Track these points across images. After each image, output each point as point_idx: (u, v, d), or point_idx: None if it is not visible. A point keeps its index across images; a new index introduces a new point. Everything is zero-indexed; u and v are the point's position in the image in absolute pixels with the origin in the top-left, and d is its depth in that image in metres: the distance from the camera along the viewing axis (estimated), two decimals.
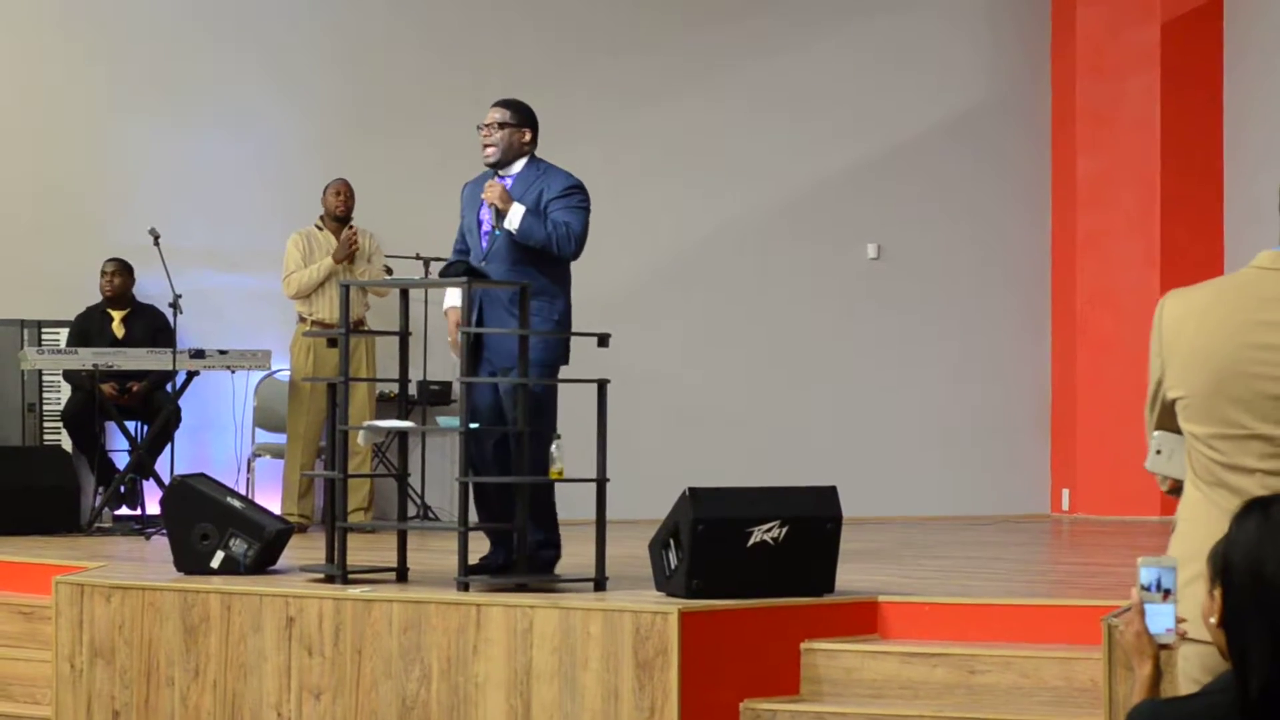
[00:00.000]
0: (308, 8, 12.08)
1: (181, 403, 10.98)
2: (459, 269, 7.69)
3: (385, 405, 11.07)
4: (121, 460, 11.02)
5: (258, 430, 11.63)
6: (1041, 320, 13.21)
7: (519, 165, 7.99)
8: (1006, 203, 13.18)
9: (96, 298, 11.20)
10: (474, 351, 7.78)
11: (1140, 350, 14.04)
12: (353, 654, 7.28)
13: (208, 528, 8.04)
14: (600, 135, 11.89)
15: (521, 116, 8.03)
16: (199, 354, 10.81)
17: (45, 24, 11.65)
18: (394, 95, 12.14)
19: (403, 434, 8.17)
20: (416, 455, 11.42)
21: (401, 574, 7.85)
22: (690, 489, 7.08)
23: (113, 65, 11.69)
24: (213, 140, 11.79)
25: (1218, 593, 3.37)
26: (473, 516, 7.65)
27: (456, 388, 11.24)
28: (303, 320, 11.09)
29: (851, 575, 7.78)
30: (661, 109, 12.51)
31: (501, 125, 7.98)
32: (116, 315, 11.17)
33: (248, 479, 11.33)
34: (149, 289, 11.21)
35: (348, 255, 11.04)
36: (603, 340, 7.83)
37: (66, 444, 11.06)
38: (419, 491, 11.37)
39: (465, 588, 7.35)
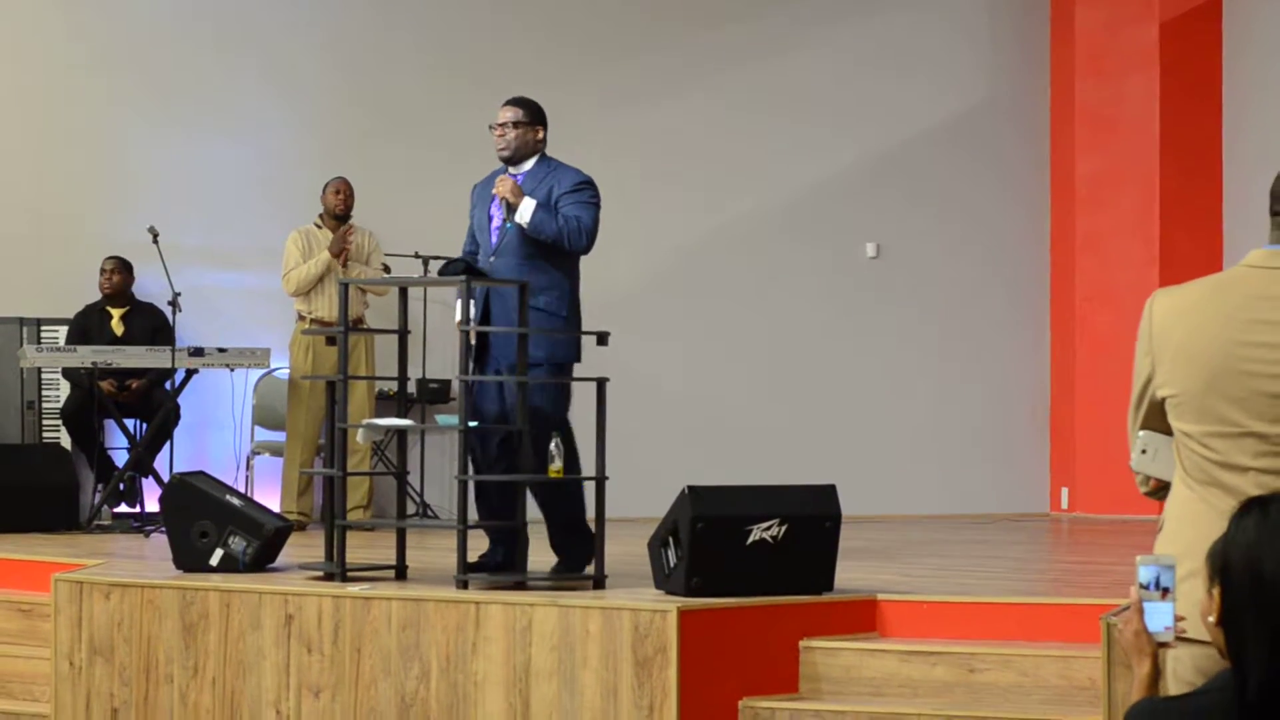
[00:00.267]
0: (307, 8, 12.08)
1: (180, 401, 10.98)
2: (458, 267, 7.70)
3: (384, 403, 11.07)
4: (121, 458, 11.02)
5: (257, 428, 11.63)
6: (1040, 320, 13.22)
7: (530, 163, 8.03)
8: (1005, 203, 13.18)
9: (96, 296, 11.20)
10: (480, 350, 7.78)
11: None
12: (352, 652, 7.28)
13: (207, 525, 8.04)
14: (599, 137, 11.88)
15: (533, 115, 8.08)
16: (198, 352, 10.81)
17: (46, 24, 11.65)
18: (393, 95, 12.15)
19: (402, 432, 8.17)
20: (415, 453, 11.42)
21: (400, 572, 7.86)
22: (689, 487, 7.09)
23: (113, 64, 11.69)
24: (212, 139, 11.79)
25: (1216, 591, 3.38)
26: (474, 514, 7.65)
27: (456, 386, 11.26)
28: (302, 318, 11.10)
29: (850, 573, 7.78)
30: (661, 110, 12.51)
31: (516, 124, 8.02)
32: (116, 313, 11.18)
33: (247, 477, 11.33)
34: (148, 287, 11.22)
35: (341, 249, 11.03)
36: (602, 338, 7.84)
37: (66, 442, 11.06)
38: (418, 489, 11.38)
39: (464, 585, 7.35)
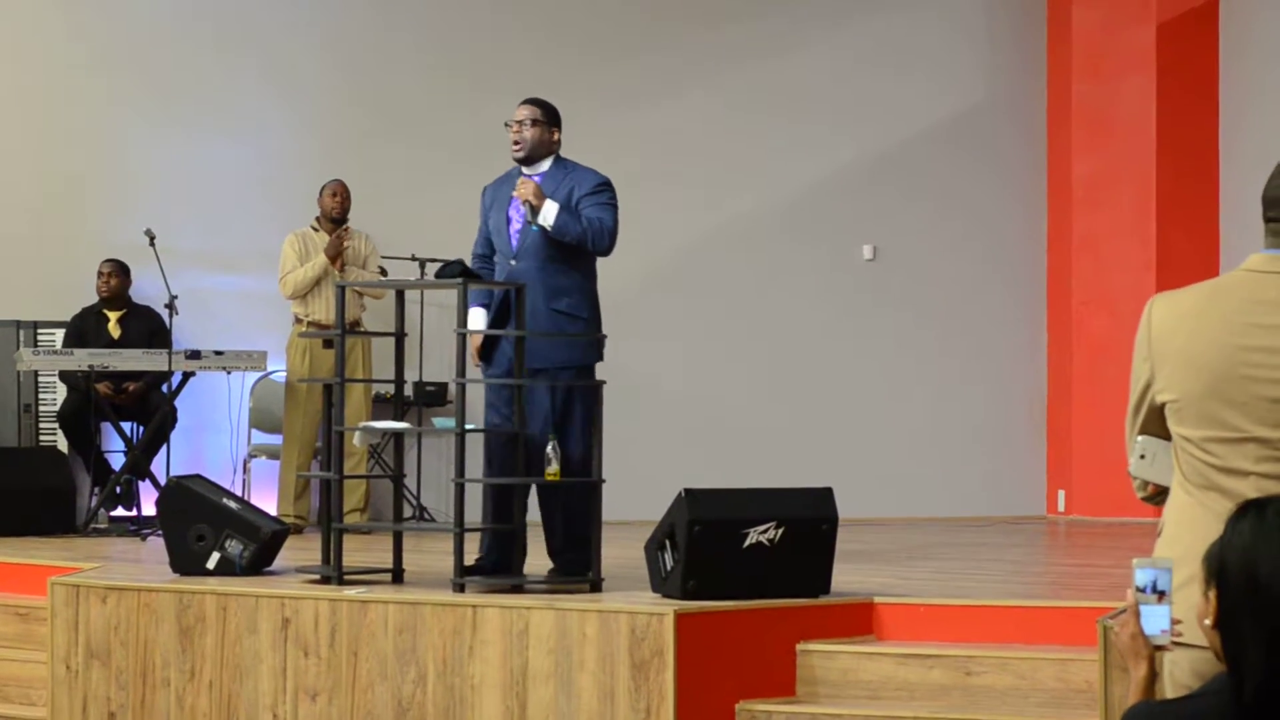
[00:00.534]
0: (305, 10, 12.08)
1: (177, 404, 10.98)
2: (454, 270, 7.69)
3: (381, 406, 11.07)
4: (117, 461, 11.02)
5: (253, 431, 11.63)
6: (1037, 321, 13.22)
7: (546, 164, 8.02)
8: (1003, 204, 13.18)
9: (93, 298, 11.20)
10: (519, 355, 7.69)
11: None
12: (348, 655, 7.28)
13: (203, 529, 8.04)
14: (597, 137, 11.86)
15: (550, 115, 8.07)
16: (195, 355, 10.80)
17: (44, 26, 11.65)
18: (391, 97, 12.15)
19: (398, 435, 8.16)
20: (412, 456, 11.42)
21: (397, 575, 7.85)
22: (686, 490, 7.08)
23: (111, 67, 11.69)
24: (209, 142, 11.79)
25: (1213, 594, 3.37)
26: (474, 517, 7.64)
27: (452, 389, 11.26)
28: (299, 321, 11.09)
29: (847, 576, 7.78)
30: (659, 110, 12.52)
31: (533, 123, 8.00)
32: (113, 316, 11.17)
33: (243, 480, 11.33)
34: (145, 290, 11.21)
35: (338, 251, 11.02)
36: (597, 344, 7.84)
37: (62, 445, 11.06)
38: (415, 492, 11.37)
39: (461, 589, 7.35)
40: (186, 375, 10.93)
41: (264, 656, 7.43)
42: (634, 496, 9.71)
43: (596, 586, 7.47)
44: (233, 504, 8.22)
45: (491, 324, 7.97)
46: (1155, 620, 3.61)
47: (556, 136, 8.06)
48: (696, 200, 12.54)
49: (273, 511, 10.24)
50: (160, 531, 8.66)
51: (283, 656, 7.40)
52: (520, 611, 7.01)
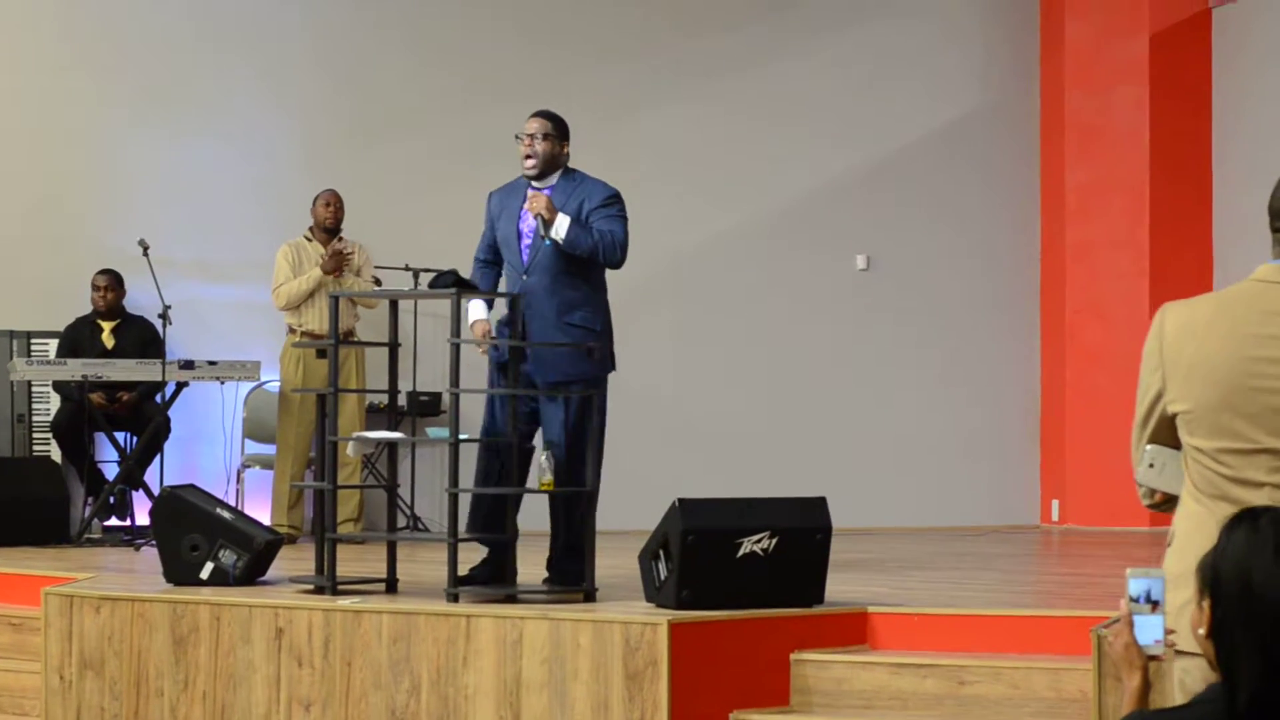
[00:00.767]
0: (299, 19, 12.08)
1: (171, 414, 10.97)
2: (448, 280, 7.70)
3: (375, 416, 11.07)
4: (111, 471, 11.01)
5: (247, 441, 11.63)
6: (1031, 331, 13.23)
7: (554, 176, 8.02)
8: (996, 213, 13.19)
9: (86, 308, 11.19)
10: (513, 366, 7.72)
11: (1130, 361, 14.01)
12: (342, 665, 7.28)
13: (197, 539, 8.03)
14: (591, 144, 11.84)
15: (560, 128, 8.08)
16: (188, 365, 10.80)
17: (38, 33, 11.65)
18: (384, 106, 12.15)
19: (392, 445, 8.16)
20: (406, 466, 11.41)
21: (391, 585, 7.85)
22: (680, 500, 7.08)
23: (104, 75, 11.69)
24: (203, 151, 11.79)
25: (1207, 604, 3.38)
26: (465, 527, 7.64)
27: (446, 398, 11.24)
28: (292, 331, 11.09)
29: (841, 586, 7.78)
30: (651, 118, 12.52)
31: (545, 137, 8.00)
32: (106, 326, 11.17)
33: (237, 490, 11.32)
34: (138, 300, 11.21)
35: (336, 267, 11.03)
36: (590, 351, 7.85)
37: (56, 455, 11.05)
38: (408, 502, 11.37)
39: (455, 599, 7.35)
40: (180, 385, 10.93)
41: (258, 666, 7.43)
42: (628, 506, 9.71)
43: (590, 596, 7.47)
44: (226, 514, 8.22)
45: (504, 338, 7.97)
46: (1149, 630, 3.61)
47: (566, 149, 8.08)
48: (690, 209, 12.54)
49: (266, 521, 10.23)
50: (154, 541, 8.66)
51: (276, 666, 7.39)
52: (514, 621, 7.01)
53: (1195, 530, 3.78)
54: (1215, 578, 3.36)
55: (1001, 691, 6.72)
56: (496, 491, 7.75)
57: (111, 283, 11.15)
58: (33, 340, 11.20)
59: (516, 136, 8.07)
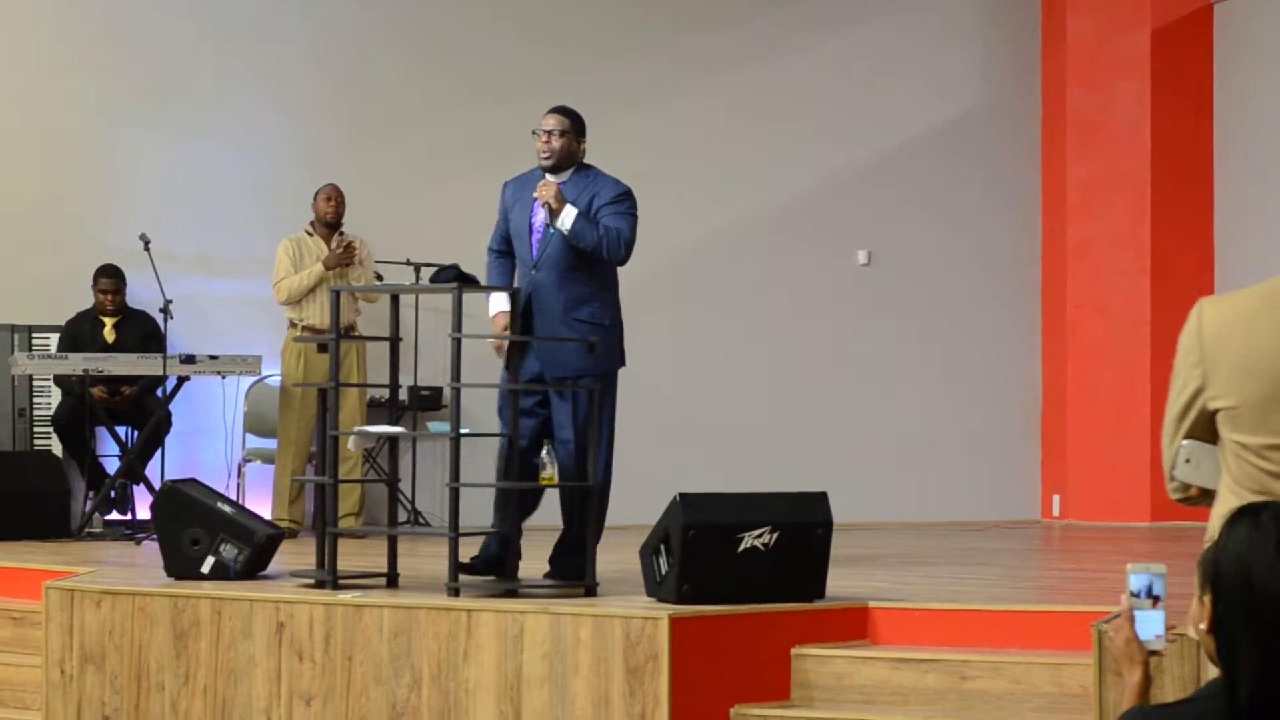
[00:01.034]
0: (299, 15, 12.08)
1: (172, 408, 10.98)
2: (449, 274, 7.70)
3: (376, 410, 11.07)
4: (112, 465, 11.02)
5: (248, 435, 11.63)
6: (1032, 326, 13.23)
7: (570, 171, 8.04)
8: (997, 209, 13.19)
9: (87, 303, 11.19)
10: (514, 360, 7.74)
11: (1130, 356, 13.99)
12: (343, 659, 7.28)
13: (198, 533, 8.03)
14: (592, 141, 11.85)
15: (577, 125, 8.10)
16: (189, 359, 10.80)
17: (38, 30, 11.65)
18: (385, 101, 12.15)
19: (393, 439, 8.17)
20: (407, 460, 11.41)
21: (392, 579, 7.85)
22: (681, 494, 7.09)
23: (105, 72, 11.69)
24: (204, 146, 11.79)
25: (1207, 599, 3.38)
26: (469, 521, 7.64)
27: (447, 393, 11.25)
28: (293, 325, 11.09)
29: (842, 581, 7.78)
30: (652, 114, 12.53)
31: (561, 133, 8.02)
32: (108, 321, 11.17)
33: (238, 484, 11.32)
34: (139, 294, 11.21)
35: (340, 263, 11.03)
36: (592, 346, 7.85)
37: (57, 449, 11.06)
38: (409, 497, 11.36)
39: (456, 593, 7.35)
40: (181, 379, 10.94)
41: (259, 661, 7.43)
42: (629, 501, 9.70)
43: (591, 591, 7.47)
44: (227, 508, 8.22)
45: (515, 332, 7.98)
46: (1150, 625, 3.61)
47: (582, 146, 8.11)
48: (692, 205, 12.54)
49: (267, 516, 10.24)
50: (155, 536, 8.66)
51: (277, 661, 7.40)
52: (515, 616, 7.01)
53: None
54: (1216, 573, 3.36)
55: (1003, 686, 6.72)
56: (496, 486, 7.75)
57: (115, 284, 11.13)
58: (34, 334, 11.20)
59: (534, 132, 8.08)
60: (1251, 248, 12.19)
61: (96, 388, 10.86)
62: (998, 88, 13.23)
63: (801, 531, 7.19)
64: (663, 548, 7.08)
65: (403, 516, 10.82)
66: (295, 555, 9.05)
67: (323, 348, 10.62)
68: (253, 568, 8.05)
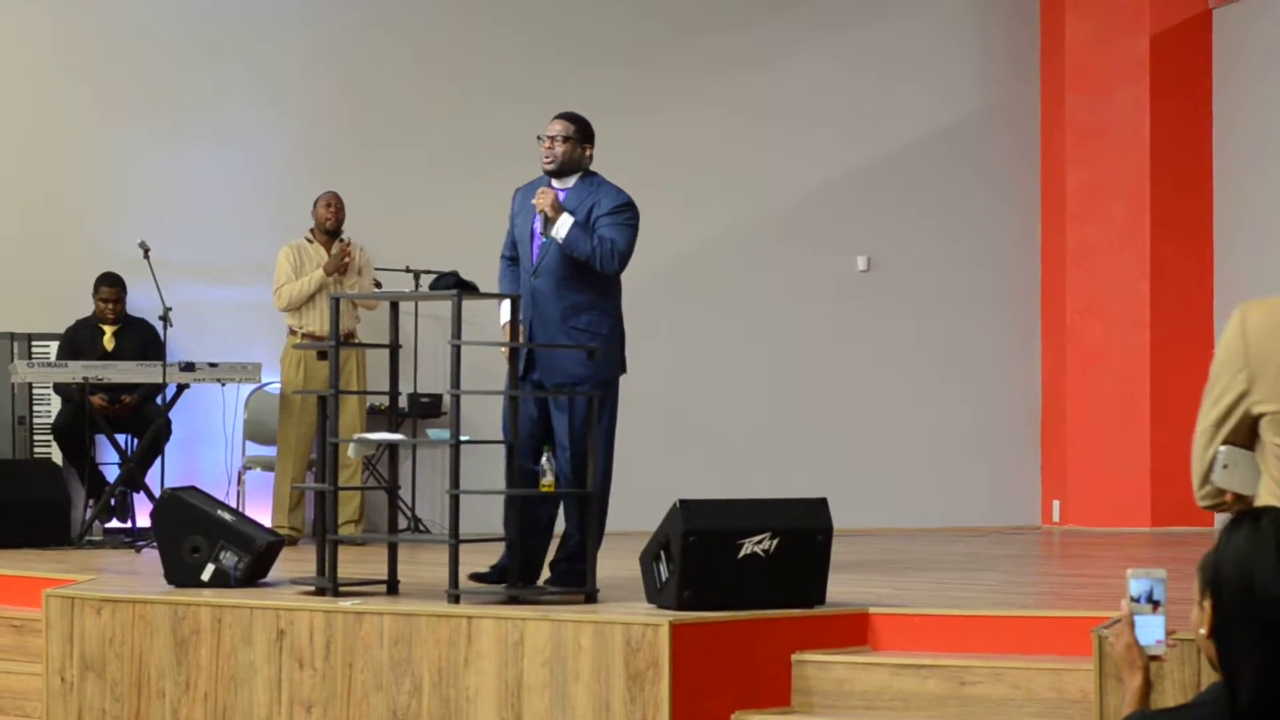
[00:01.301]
0: (298, 22, 12.08)
1: (172, 416, 10.98)
2: (449, 281, 7.70)
3: (376, 418, 11.07)
4: (112, 473, 11.02)
5: (248, 443, 11.63)
6: (1032, 332, 13.23)
7: (574, 178, 8.04)
8: (996, 214, 13.19)
9: (87, 311, 11.19)
10: (512, 367, 7.77)
11: (1130, 360, 13.97)
12: (344, 667, 7.28)
13: (198, 540, 8.03)
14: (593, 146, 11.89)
15: (583, 132, 8.10)
16: (189, 367, 10.80)
17: (37, 37, 11.66)
18: (384, 108, 12.15)
19: (393, 446, 8.17)
20: (407, 468, 11.42)
21: (392, 586, 7.85)
22: (681, 501, 7.08)
23: (103, 79, 11.69)
24: (203, 153, 11.79)
25: (1208, 604, 3.38)
26: (469, 528, 7.64)
27: (447, 400, 11.24)
28: (293, 333, 11.10)
29: (842, 587, 7.78)
30: (651, 120, 12.53)
31: (565, 139, 8.02)
32: (108, 329, 11.16)
33: (238, 492, 11.32)
34: (139, 302, 11.21)
35: (339, 268, 11.04)
36: (591, 353, 7.86)
37: (57, 457, 11.05)
38: (409, 504, 11.37)
39: (456, 600, 7.35)
40: (181, 387, 10.93)
41: (259, 668, 7.43)
42: (629, 507, 9.70)
43: (592, 597, 7.47)
44: (227, 516, 8.22)
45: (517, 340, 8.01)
46: (1150, 630, 3.61)
47: (588, 152, 8.10)
48: (691, 210, 12.55)
49: (267, 523, 10.24)
50: (155, 543, 8.66)
51: (278, 668, 7.39)
52: (515, 622, 7.01)
53: None
54: (1216, 577, 3.36)
55: (1003, 692, 6.71)
56: (495, 493, 7.75)
57: (116, 293, 11.13)
58: (33, 342, 11.20)
59: (538, 138, 8.09)
60: (1251, 252, 12.19)
61: (96, 396, 10.85)
62: (997, 93, 13.23)
63: (802, 537, 7.19)
64: (663, 554, 7.08)
65: (403, 523, 10.82)
66: (295, 562, 9.05)
67: (322, 355, 10.62)
68: (253, 575, 8.05)
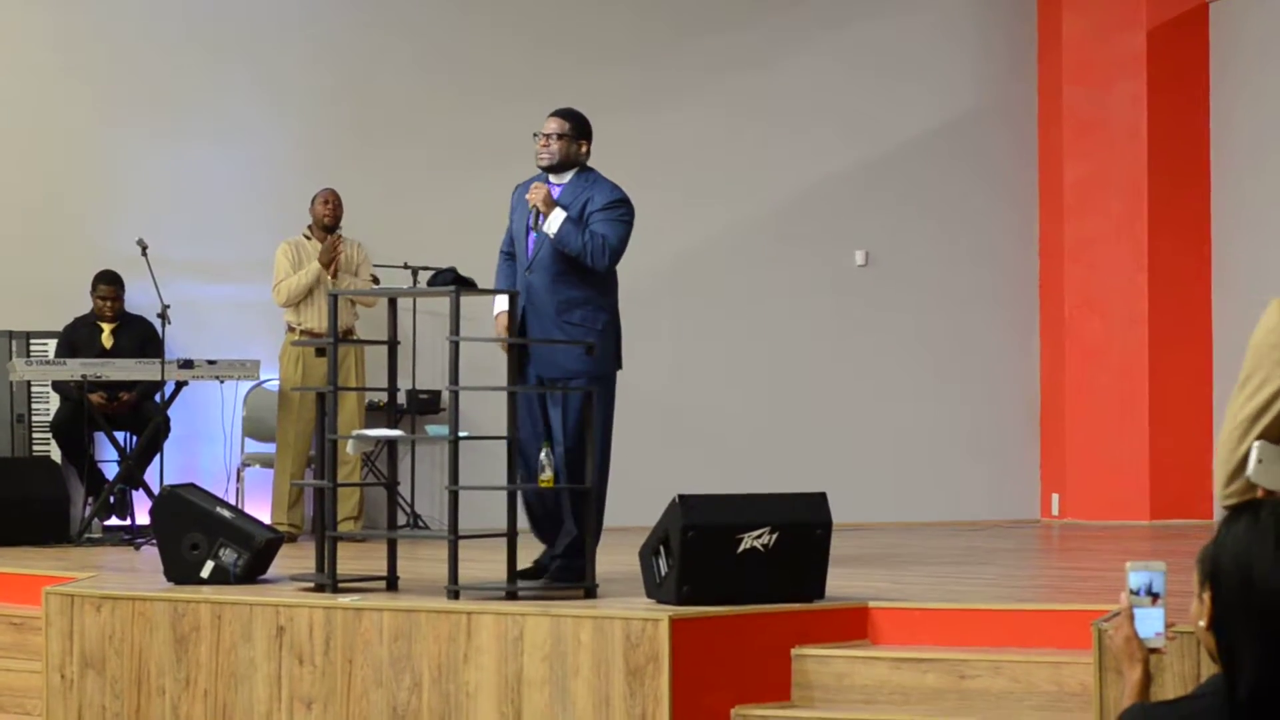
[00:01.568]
0: (296, 19, 12.08)
1: (170, 413, 10.98)
2: (446, 278, 7.71)
3: (374, 414, 11.07)
4: (111, 471, 11.02)
5: (247, 440, 11.63)
6: (1030, 326, 13.23)
7: (570, 174, 8.05)
8: (995, 209, 13.20)
9: (85, 309, 11.19)
10: (520, 363, 7.80)
11: (1128, 354, 13.99)
12: (343, 663, 7.28)
13: (197, 537, 8.03)
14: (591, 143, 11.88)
15: (579, 128, 8.12)
16: (188, 364, 10.80)
17: (35, 36, 11.65)
18: (382, 105, 12.15)
19: (392, 443, 8.17)
20: (406, 464, 11.42)
21: (391, 582, 7.85)
22: (680, 495, 7.08)
23: (102, 77, 11.69)
24: (201, 151, 11.79)
25: (1207, 596, 3.38)
26: (468, 524, 7.64)
27: (445, 396, 11.25)
28: (291, 330, 11.10)
29: (842, 581, 7.78)
30: (651, 117, 12.52)
31: (560, 136, 8.04)
32: (106, 327, 11.16)
33: (237, 488, 11.32)
34: (137, 300, 11.21)
35: (332, 259, 11.04)
36: (590, 349, 7.86)
37: (56, 455, 11.05)
38: (408, 500, 11.37)
39: (455, 595, 7.35)
40: (179, 384, 10.94)
41: (259, 665, 7.43)
42: (628, 502, 9.70)
43: (591, 593, 7.48)
44: (226, 513, 8.22)
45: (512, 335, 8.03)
46: (1149, 623, 3.62)
47: (585, 149, 8.12)
48: (691, 207, 12.55)
49: (267, 520, 10.24)
50: (154, 541, 8.66)
51: (277, 665, 7.40)
52: (515, 618, 7.01)
53: None
54: (1216, 570, 3.36)
55: (1002, 685, 6.72)
56: (493, 489, 7.75)
57: (115, 291, 11.13)
58: (32, 340, 11.20)
59: (535, 134, 8.10)
60: (1249, 245, 12.19)
61: (95, 393, 10.85)
62: (994, 88, 13.23)
63: (801, 532, 7.19)
64: (662, 549, 7.08)
65: (402, 520, 10.82)
66: (295, 559, 9.05)
67: (321, 351, 10.63)
68: (252, 572, 8.05)
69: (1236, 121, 12.46)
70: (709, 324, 12.61)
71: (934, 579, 8.75)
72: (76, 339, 11.07)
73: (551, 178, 8.07)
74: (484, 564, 8.31)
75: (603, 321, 8.03)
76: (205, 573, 8.00)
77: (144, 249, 10.77)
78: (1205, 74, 12.70)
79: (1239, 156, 12.41)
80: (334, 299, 8.02)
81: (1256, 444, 3.76)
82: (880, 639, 7.23)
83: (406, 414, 11.41)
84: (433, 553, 9.29)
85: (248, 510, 9.48)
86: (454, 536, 7.42)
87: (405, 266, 11.57)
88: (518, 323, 7.87)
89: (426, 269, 11.19)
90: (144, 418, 11.00)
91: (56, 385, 11.04)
